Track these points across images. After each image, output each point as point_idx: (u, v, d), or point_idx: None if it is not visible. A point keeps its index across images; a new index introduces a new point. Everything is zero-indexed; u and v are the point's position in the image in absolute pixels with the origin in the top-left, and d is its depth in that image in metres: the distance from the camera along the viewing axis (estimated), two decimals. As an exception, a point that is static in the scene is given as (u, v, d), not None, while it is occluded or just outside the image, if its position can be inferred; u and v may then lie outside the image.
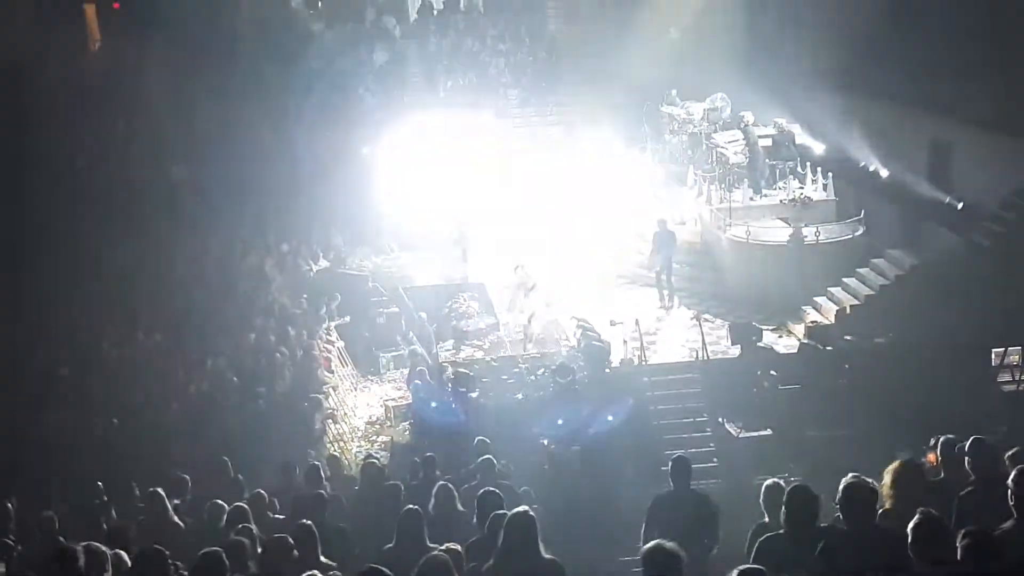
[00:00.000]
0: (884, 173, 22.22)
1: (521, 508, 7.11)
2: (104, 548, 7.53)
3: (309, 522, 8.22)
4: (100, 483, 11.18)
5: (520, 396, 18.21)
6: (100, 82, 32.83)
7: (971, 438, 8.17)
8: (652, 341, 19.60)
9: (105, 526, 9.92)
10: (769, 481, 8.39)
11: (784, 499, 7.24)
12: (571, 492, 12.83)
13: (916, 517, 6.13)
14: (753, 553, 7.17)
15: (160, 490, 10.08)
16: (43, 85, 31.50)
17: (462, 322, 21.63)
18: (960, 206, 20.31)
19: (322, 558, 8.00)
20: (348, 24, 37.14)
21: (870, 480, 7.20)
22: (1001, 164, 20.01)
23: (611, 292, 22.33)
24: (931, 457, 9.30)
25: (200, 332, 19.19)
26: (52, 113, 30.31)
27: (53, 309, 20.14)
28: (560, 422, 14.96)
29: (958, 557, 5.91)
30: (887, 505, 7.77)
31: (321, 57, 35.17)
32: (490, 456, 10.73)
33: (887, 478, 7.78)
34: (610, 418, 15.23)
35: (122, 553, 8.06)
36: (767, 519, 8.13)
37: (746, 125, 23.52)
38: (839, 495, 7.11)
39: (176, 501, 10.63)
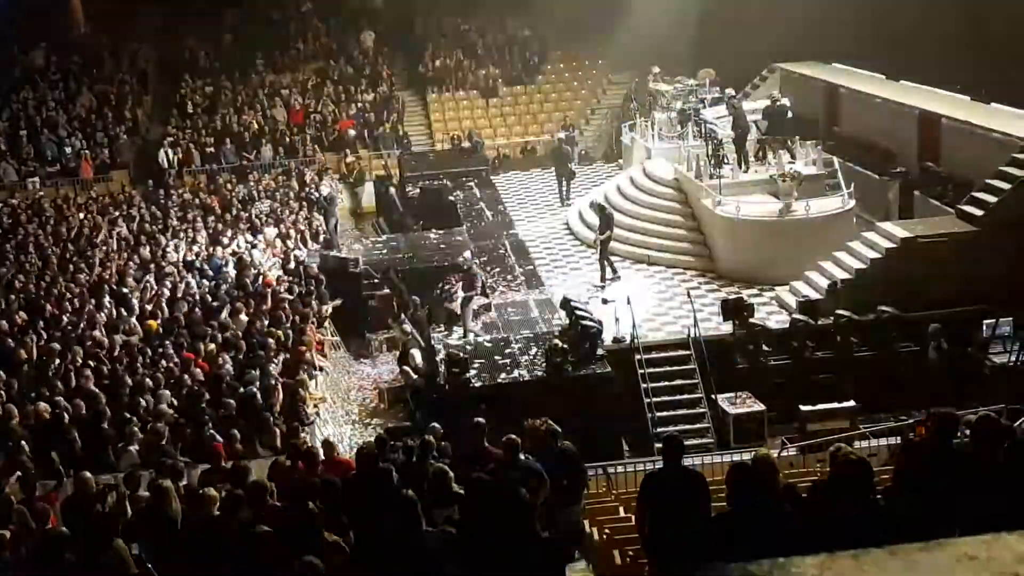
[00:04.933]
0: (872, 146, 22.23)
1: (516, 489, 7.13)
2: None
3: (312, 505, 8.21)
4: (88, 473, 11.14)
5: (514, 376, 18.23)
6: (85, 68, 32.72)
7: (980, 413, 8.17)
8: (645, 319, 19.60)
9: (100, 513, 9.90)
10: (760, 452, 8.48)
11: (730, 480, 7.31)
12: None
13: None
14: None
15: (167, 483, 10.04)
16: (29, 70, 31.42)
17: (454, 303, 21.64)
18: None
19: (328, 536, 7.99)
20: (337, 6, 37.12)
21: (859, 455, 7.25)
22: (990, 135, 20.04)
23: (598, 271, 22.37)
24: (919, 429, 9.32)
25: (191, 317, 19.14)
26: (38, 98, 30.25)
27: (44, 296, 20.10)
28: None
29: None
30: (891, 482, 7.80)
31: (310, 39, 35.13)
32: (513, 436, 10.68)
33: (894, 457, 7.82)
34: None
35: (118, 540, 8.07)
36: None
37: (730, 99, 23.50)
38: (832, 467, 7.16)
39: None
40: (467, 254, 21.55)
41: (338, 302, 21.39)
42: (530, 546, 6.91)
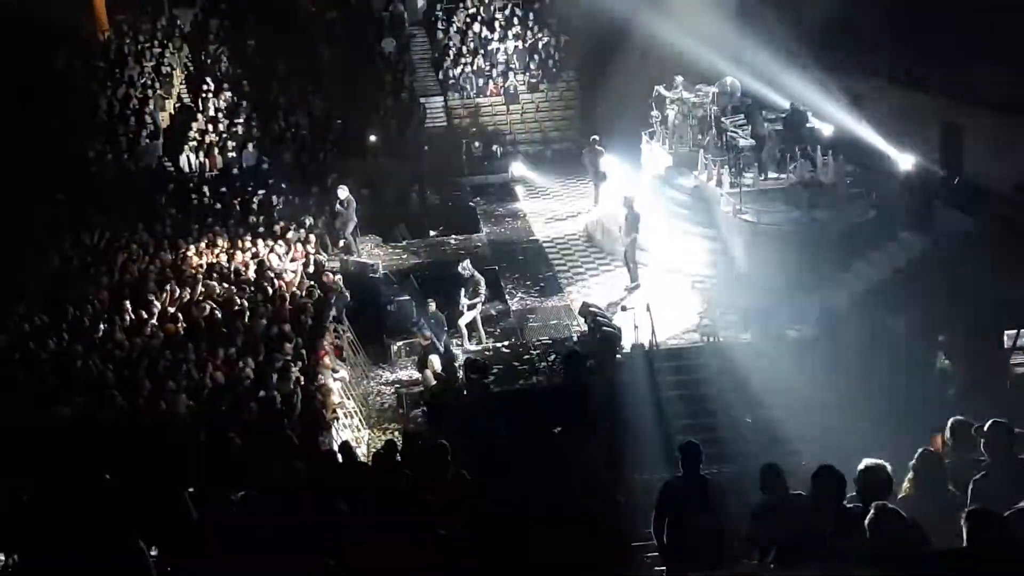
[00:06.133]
0: (895, 156, 22.14)
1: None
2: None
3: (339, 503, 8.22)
4: (108, 475, 11.17)
5: (534, 381, 18.25)
6: (109, 71, 32.90)
7: (990, 421, 8.15)
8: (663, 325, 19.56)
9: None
10: (764, 466, 8.47)
11: (812, 480, 7.29)
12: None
13: (871, 511, 6.15)
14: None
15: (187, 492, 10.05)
16: (52, 74, 31.61)
17: (461, 311, 21.65)
18: (956, 181, 20.32)
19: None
20: (359, 13, 37.22)
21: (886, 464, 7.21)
22: (1013, 146, 19.94)
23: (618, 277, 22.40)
24: (937, 440, 9.26)
25: (211, 321, 19.21)
26: (61, 102, 30.41)
27: (66, 298, 20.22)
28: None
29: (964, 537, 5.91)
30: (909, 493, 7.76)
31: (332, 46, 35.24)
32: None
33: (909, 467, 7.78)
34: None
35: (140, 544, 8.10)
36: (767, 498, 8.24)
37: (749, 107, 23.48)
38: (857, 478, 7.13)
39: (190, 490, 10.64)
40: (466, 262, 21.56)
41: (347, 295, 21.36)
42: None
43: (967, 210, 20.34)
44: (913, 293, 18.70)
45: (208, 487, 10.86)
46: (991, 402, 13.97)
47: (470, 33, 36.82)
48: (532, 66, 35.59)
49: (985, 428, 8.06)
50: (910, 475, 7.94)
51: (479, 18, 37.33)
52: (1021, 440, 8.06)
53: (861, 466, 7.31)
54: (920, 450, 8.03)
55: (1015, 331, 17.00)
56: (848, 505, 7.10)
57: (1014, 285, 17.47)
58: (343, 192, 25.22)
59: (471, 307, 20.73)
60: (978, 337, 17.05)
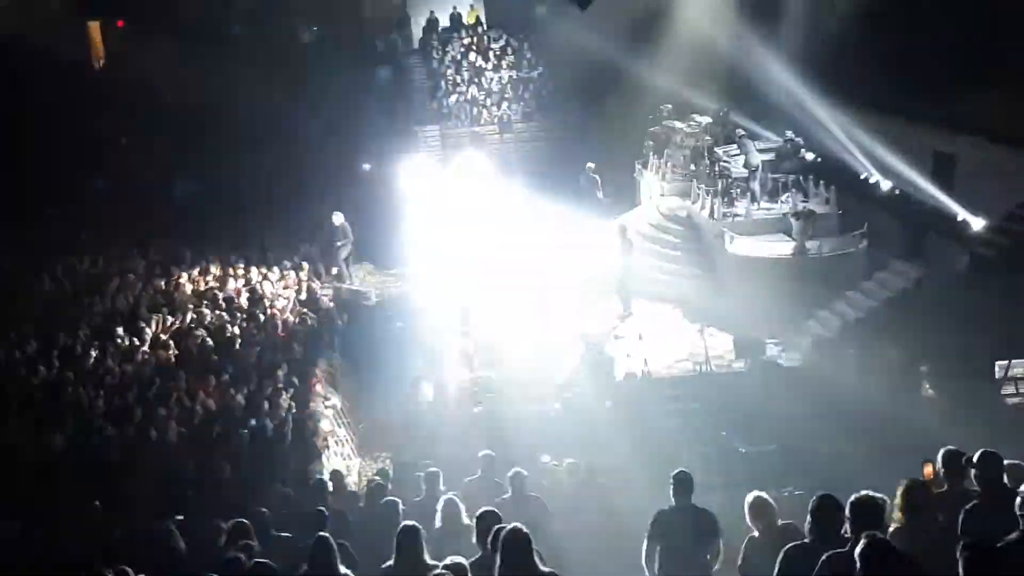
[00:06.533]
0: (887, 185, 22.20)
1: (514, 524, 7.08)
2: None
3: (327, 535, 8.17)
4: (98, 503, 11.14)
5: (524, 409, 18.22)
6: (103, 98, 32.93)
7: (979, 451, 8.13)
8: (655, 354, 19.54)
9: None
10: (750, 497, 8.45)
11: (811, 508, 7.25)
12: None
13: (862, 541, 6.11)
14: (779, 564, 7.16)
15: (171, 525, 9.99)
16: (46, 101, 31.62)
17: (467, 338, 21.64)
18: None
19: (341, 568, 7.94)
20: (354, 44, 37.35)
21: (879, 496, 7.18)
22: (1005, 176, 20.00)
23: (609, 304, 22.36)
24: (928, 470, 9.23)
25: (203, 348, 19.17)
26: (54, 129, 30.43)
27: (57, 325, 20.17)
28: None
29: (960, 571, 5.87)
30: (900, 523, 7.73)
31: (327, 77, 35.31)
32: (520, 469, 10.72)
33: (898, 497, 7.75)
34: None
35: (128, 570, 8.05)
36: (756, 533, 8.20)
37: (740, 136, 23.55)
38: (847, 510, 7.11)
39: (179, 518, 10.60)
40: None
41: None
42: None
43: (961, 240, 20.39)
44: (904, 322, 18.71)
45: (197, 516, 10.85)
46: (978, 432, 14.00)
47: (465, 63, 36.97)
48: (527, 95, 35.73)
49: (975, 459, 8.04)
50: (898, 502, 7.92)
51: (474, 48, 37.50)
52: (1012, 470, 8.04)
53: (853, 497, 7.28)
54: (910, 480, 8.00)
55: (1006, 362, 17.02)
56: (843, 536, 7.07)
57: (1005, 315, 17.51)
58: (338, 219, 25.20)
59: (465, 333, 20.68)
60: (964, 367, 17.06)
